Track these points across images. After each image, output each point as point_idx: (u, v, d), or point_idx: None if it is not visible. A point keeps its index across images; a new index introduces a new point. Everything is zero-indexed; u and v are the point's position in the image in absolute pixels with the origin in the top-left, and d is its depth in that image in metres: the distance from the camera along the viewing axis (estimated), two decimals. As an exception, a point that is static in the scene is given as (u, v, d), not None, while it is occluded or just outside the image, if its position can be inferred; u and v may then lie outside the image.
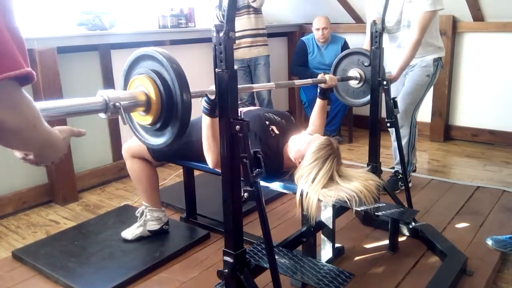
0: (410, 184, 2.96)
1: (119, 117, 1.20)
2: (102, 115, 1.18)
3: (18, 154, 0.95)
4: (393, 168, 3.11)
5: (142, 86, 1.29)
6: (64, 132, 0.98)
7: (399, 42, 2.84)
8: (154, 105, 1.27)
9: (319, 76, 2.23)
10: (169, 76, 1.27)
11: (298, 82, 2.32)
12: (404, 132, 2.89)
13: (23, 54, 0.70)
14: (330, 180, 1.80)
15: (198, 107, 2.06)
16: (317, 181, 1.77)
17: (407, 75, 2.92)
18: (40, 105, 0.99)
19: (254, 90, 1.89)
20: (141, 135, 1.42)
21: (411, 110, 2.87)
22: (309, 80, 2.27)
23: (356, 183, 1.78)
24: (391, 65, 2.88)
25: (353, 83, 2.45)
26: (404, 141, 2.89)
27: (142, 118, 1.33)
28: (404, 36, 2.79)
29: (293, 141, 1.98)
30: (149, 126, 1.34)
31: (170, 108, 1.28)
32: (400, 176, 2.94)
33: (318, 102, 2.30)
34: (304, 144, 1.90)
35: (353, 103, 2.52)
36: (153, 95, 1.27)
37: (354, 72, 2.42)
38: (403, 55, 2.67)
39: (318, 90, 2.28)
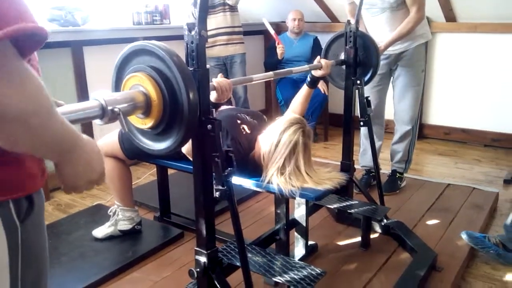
0: (404, 183, 3.00)
1: (120, 123, 1.05)
2: (98, 122, 1.03)
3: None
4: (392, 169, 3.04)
5: (140, 85, 1.14)
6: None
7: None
8: (156, 107, 1.13)
9: (315, 62, 2.16)
10: (171, 73, 1.13)
11: (295, 69, 2.17)
12: (410, 132, 2.93)
13: (18, 8, 0.52)
14: (298, 172, 1.82)
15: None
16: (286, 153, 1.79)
17: (397, 80, 2.84)
18: None
19: (254, 81, 1.85)
20: (138, 139, 1.29)
21: (416, 112, 2.91)
22: (306, 67, 2.17)
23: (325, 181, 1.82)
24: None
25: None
26: (407, 140, 2.94)
27: (140, 121, 1.18)
28: (381, 33, 2.70)
29: (262, 135, 1.95)
30: (148, 130, 1.21)
31: (175, 110, 1.14)
32: (399, 175, 2.98)
33: (305, 89, 2.20)
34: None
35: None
36: (154, 96, 1.13)
37: None
38: (400, 27, 2.60)
39: (309, 78, 2.18)
